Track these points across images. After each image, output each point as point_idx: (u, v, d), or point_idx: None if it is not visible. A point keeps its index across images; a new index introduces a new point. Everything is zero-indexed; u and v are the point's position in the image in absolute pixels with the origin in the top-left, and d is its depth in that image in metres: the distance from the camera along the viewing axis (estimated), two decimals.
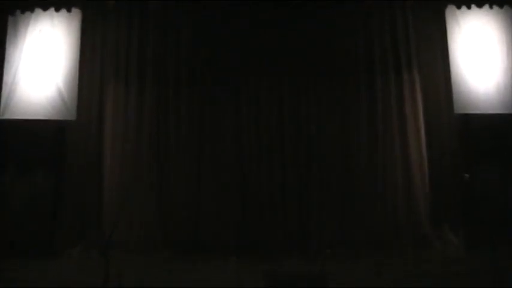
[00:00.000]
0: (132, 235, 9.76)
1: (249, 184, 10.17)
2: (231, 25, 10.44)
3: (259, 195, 10.12)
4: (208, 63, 10.47)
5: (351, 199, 10.22)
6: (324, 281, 5.68)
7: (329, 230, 10.02)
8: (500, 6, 10.32)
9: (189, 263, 8.82)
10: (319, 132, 10.39)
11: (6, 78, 9.66)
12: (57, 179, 9.86)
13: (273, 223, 9.99)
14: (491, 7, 10.24)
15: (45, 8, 9.95)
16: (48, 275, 7.20)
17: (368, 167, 10.30)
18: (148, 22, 10.51)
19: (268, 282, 5.72)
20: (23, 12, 9.91)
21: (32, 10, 9.92)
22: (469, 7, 10.22)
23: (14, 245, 9.07)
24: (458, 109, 9.92)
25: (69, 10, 10.00)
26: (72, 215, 9.81)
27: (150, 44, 10.46)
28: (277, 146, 10.31)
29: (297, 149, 10.35)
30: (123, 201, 6.76)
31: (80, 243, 9.67)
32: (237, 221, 9.97)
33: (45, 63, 9.77)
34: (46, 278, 7.05)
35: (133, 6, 10.45)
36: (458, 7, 10.20)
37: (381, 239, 9.97)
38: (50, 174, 9.84)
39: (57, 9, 9.97)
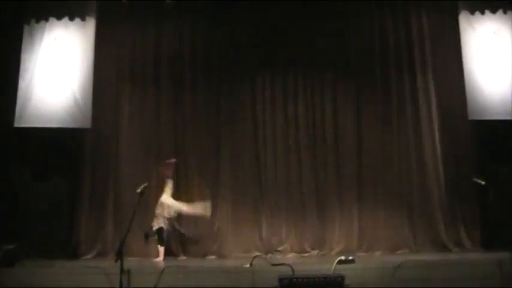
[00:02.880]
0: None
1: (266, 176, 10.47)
2: (247, 22, 10.75)
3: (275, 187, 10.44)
4: (223, 61, 10.74)
5: (365, 200, 10.42)
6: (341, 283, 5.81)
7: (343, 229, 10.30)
8: None
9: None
10: (334, 130, 10.65)
11: (22, 85, 9.75)
12: (75, 185, 10.17)
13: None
14: (505, 12, 10.32)
15: (59, 17, 10.04)
16: (65, 275, 7.32)
17: (382, 169, 10.52)
18: (162, 23, 10.79)
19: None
20: (37, 21, 10.02)
21: (46, 19, 10.01)
22: (482, 13, 10.31)
23: (33, 246, 9.36)
24: (473, 115, 10.01)
25: (83, 19, 10.09)
26: (89, 219, 10.12)
27: (164, 45, 10.73)
28: (293, 134, 10.59)
29: (312, 146, 10.62)
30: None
31: (97, 246, 9.98)
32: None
33: (60, 70, 9.87)
34: (63, 279, 7.19)
35: (147, 7, 10.66)
36: (472, 13, 10.29)
37: (398, 240, 10.18)
38: (67, 180, 10.18)
39: (71, 18, 10.05)
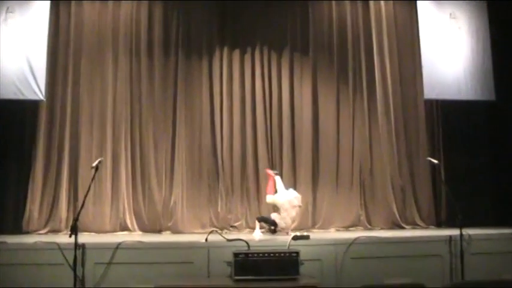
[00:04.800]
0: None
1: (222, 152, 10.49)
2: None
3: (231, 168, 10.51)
4: (181, 34, 10.64)
5: (320, 178, 10.58)
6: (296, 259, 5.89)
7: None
8: None
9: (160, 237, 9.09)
10: (291, 109, 10.73)
11: None
12: (29, 159, 9.99)
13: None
14: None
15: None
16: (18, 251, 7.22)
17: (336, 148, 10.69)
18: None
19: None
20: None
21: None
22: None
23: None
24: (428, 94, 10.22)
25: None
26: (43, 194, 9.96)
27: (121, 16, 10.57)
28: (250, 112, 10.65)
29: (268, 123, 10.69)
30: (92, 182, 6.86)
31: (51, 222, 9.87)
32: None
33: (13, 41, 9.58)
34: (15, 255, 7.10)
35: None
36: None
37: (352, 218, 10.38)
38: (20, 154, 9.99)
39: None
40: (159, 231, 10.01)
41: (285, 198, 8.91)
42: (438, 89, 10.20)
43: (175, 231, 9.99)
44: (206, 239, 7.04)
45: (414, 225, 10.35)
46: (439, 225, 10.32)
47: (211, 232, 7.59)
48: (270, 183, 9.34)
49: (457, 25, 10.37)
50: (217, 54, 10.69)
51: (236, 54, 10.74)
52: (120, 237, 8.50)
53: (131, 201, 10.15)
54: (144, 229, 10.04)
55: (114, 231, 9.92)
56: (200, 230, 9.86)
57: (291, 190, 9.19)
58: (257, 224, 8.78)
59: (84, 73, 10.35)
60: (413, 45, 10.78)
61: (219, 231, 8.51)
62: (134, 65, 10.50)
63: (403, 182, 10.60)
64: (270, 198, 9.17)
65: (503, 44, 10.49)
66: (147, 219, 10.13)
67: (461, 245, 6.65)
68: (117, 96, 10.39)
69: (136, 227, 10.04)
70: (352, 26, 10.94)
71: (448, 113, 10.66)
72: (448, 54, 10.31)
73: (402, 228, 10.19)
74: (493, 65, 10.35)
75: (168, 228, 10.06)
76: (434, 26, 10.35)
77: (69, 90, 10.25)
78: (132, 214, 10.10)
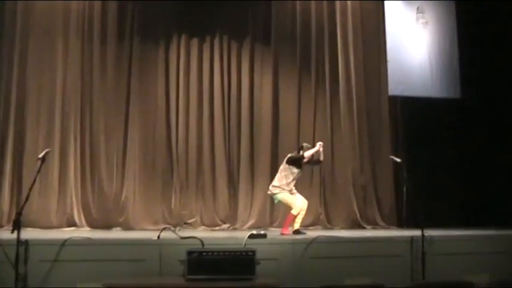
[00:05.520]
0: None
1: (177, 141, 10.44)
2: None
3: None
4: (137, 20, 10.51)
5: (277, 167, 10.57)
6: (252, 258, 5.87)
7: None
8: None
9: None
10: (251, 101, 10.74)
11: None
12: None
13: None
14: None
15: None
16: None
17: (296, 143, 10.61)
18: None
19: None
20: None
21: None
22: None
23: None
24: (393, 91, 10.32)
25: None
26: None
27: (74, 2, 10.37)
28: (207, 104, 10.59)
29: (226, 116, 10.67)
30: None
31: None
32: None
33: None
34: None
35: None
36: None
37: (311, 217, 10.41)
38: None
39: None
40: (109, 227, 9.88)
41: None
42: (403, 86, 10.33)
43: (127, 227, 9.88)
44: (158, 236, 6.95)
45: (375, 225, 10.46)
46: (400, 225, 10.44)
47: (164, 229, 7.49)
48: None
49: (424, 20, 10.50)
50: (174, 42, 10.60)
51: (194, 43, 10.67)
52: (67, 233, 8.37)
53: (79, 195, 10.00)
54: (93, 225, 9.89)
55: (61, 226, 9.75)
56: (152, 227, 9.78)
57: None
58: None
59: (31, 59, 10.14)
60: (379, 39, 10.89)
61: (172, 228, 8.43)
62: (86, 52, 10.33)
63: (364, 180, 10.70)
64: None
65: (470, 41, 10.65)
66: (97, 215, 9.99)
67: (422, 246, 6.73)
68: (67, 84, 10.20)
69: (84, 222, 9.88)
70: (316, 17, 11.00)
71: (412, 110, 10.79)
72: (415, 51, 10.48)
73: (363, 227, 10.29)
74: (459, 62, 10.50)
75: (118, 224, 9.94)
76: (400, 21, 10.49)
77: (14, 76, 10.02)
78: (81, 209, 9.94)
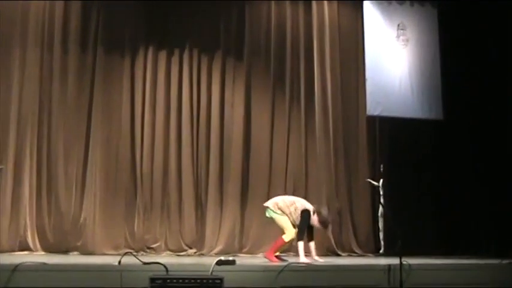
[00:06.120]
0: None
1: (141, 160, 10.39)
2: None
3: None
4: (101, 29, 10.46)
5: (250, 198, 10.57)
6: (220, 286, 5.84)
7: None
8: (421, 4, 10.94)
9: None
10: (221, 119, 10.72)
11: None
12: None
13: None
14: (412, 5, 10.87)
15: None
16: None
17: (268, 164, 10.76)
18: None
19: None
20: None
21: None
22: (389, 3, 10.79)
23: None
24: (371, 111, 10.41)
25: None
26: None
27: (33, 8, 10.30)
28: (175, 121, 10.56)
29: (195, 135, 10.64)
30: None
31: None
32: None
33: None
34: None
35: None
36: (378, 3, 10.70)
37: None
38: None
39: None
40: (66, 252, 9.76)
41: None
42: (383, 106, 10.40)
43: (85, 251, 9.77)
44: (119, 262, 6.88)
45: (351, 252, 10.49)
46: (377, 252, 10.49)
47: (125, 254, 7.42)
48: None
49: (405, 37, 10.63)
50: (141, 54, 10.59)
51: (162, 55, 10.66)
52: (20, 257, 8.24)
53: (34, 216, 9.86)
54: (49, 249, 9.76)
55: (13, 250, 9.59)
56: (113, 252, 9.69)
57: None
58: (300, 246, 8.17)
59: None
60: (358, 56, 11.02)
61: (135, 253, 8.36)
62: (45, 62, 10.26)
63: (340, 204, 10.73)
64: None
65: (453, 60, 10.79)
66: (53, 238, 9.86)
67: (400, 275, 6.75)
68: (24, 95, 10.12)
69: (39, 246, 9.76)
70: (292, 31, 11.08)
71: (392, 131, 10.89)
72: (395, 69, 10.56)
73: (338, 255, 10.30)
74: (442, 82, 10.63)
75: (76, 249, 9.82)
76: (381, 38, 10.57)
77: None
78: (35, 231, 9.81)
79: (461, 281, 7.16)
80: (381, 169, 10.65)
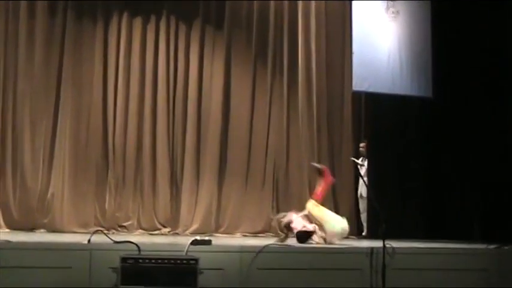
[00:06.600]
0: None
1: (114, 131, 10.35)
2: None
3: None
4: None
5: (227, 176, 10.59)
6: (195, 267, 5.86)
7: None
8: None
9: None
10: (199, 91, 10.70)
11: None
12: None
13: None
14: None
15: None
16: None
17: (248, 139, 10.79)
18: None
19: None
20: None
21: None
22: None
23: None
24: (357, 86, 10.40)
25: None
26: None
27: None
28: (150, 92, 10.52)
29: (172, 99, 10.62)
30: None
31: None
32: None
33: None
34: None
35: None
36: None
37: (261, 223, 10.49)
38: None
39: None
40: (32, 229, 9.72)
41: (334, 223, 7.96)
42: (369, 81, 10.38)
43: (52, 229, 9.75)
44: (89, 240, 6.86)
45: None
46: (360, 235, 10.55)
47: (95, 232, 7.41)
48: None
49: (395, 9, 10.60)
50: (114, 20, 10.49)
51: (138, 22, 10.58)
52: None
53: None
54: (13, 226, 9.71)
55: None
56: (82, 230, 9.66)
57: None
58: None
59: None
60: (344, 28, 10.98)
61: (105, 232, 8.35)
62: (11, 26, 10.13)
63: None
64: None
65: (445, 36, 10.77)
66: (18, 214, 9.84)
67: (383, 259, 6.80)
68: None
69: (2, 223, 9.72)
70: (276, 4, 10.99)
71: (379, 108, 10.86)
72: (383, 43, 10.52)
73: None
74: (432, 58, 10.63)
75: (43, 226, 9.79)
76: (369, 9, 10.51)
77: None
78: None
79: (445, 266, 7.24)
80: (360, 147, 10.62)
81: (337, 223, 7.89)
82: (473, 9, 10.42)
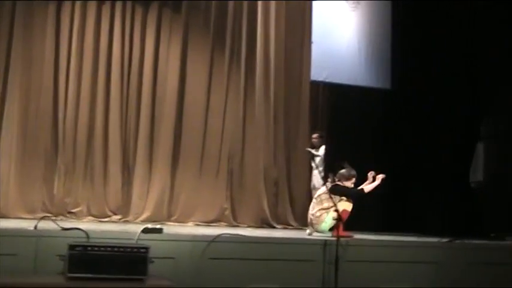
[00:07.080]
0: None
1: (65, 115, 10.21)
2: None
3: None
4: None
5: (181, 162, 10.58)
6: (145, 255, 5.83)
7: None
8: None
9: None
10: (154, 75, 10.62)
11: None
12: None
13: None
14: None
15: None
16: None
17: (203, 126, 10.75)
18: None
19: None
20: None
21: None
22: None
23: None
24: (316, 76, 10.44)
25: None
26: None
27: None
28: (103, 76, 10.41)
29: (126, 83, 10.52)
30: None
31: None
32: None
33: None
34: None
35: None
36: None
37: (215, 212, 10.51)
38: None
39: None
40: None
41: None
42: (328, 71, 10.46)
43: None
44: (35, 227, 6.78)
45: (286, 225, 10.61)
46: None
47: (42, 218, 7.32)
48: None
49: (356, 6, 10.67)
50: (67, 1, 10.29)
51: (92, 4, 10.43)
52: None
53: None
54: None
55: None
56: (29, 216, 9.50)
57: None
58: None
59: None
60: (304, 17, 11.01)
61: (53, 218, 8.25)
62: None
63: (277, 173, 10.80)
64: None
65: (405, 28, 10.86)
66: None
67: (336, 251, 6.86)
68: None
69: None
70: None
71: (337, 98, 10.93)
72: (343, 33, 10.58)
73: (272, 227, 10.40)
74: (392, 50, 10.71)
75: None
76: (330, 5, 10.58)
77: None
78: None
79: (397, 258, 7.35)
80: (313, 138, 10.67)
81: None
82: (433, 1, 10.52)
